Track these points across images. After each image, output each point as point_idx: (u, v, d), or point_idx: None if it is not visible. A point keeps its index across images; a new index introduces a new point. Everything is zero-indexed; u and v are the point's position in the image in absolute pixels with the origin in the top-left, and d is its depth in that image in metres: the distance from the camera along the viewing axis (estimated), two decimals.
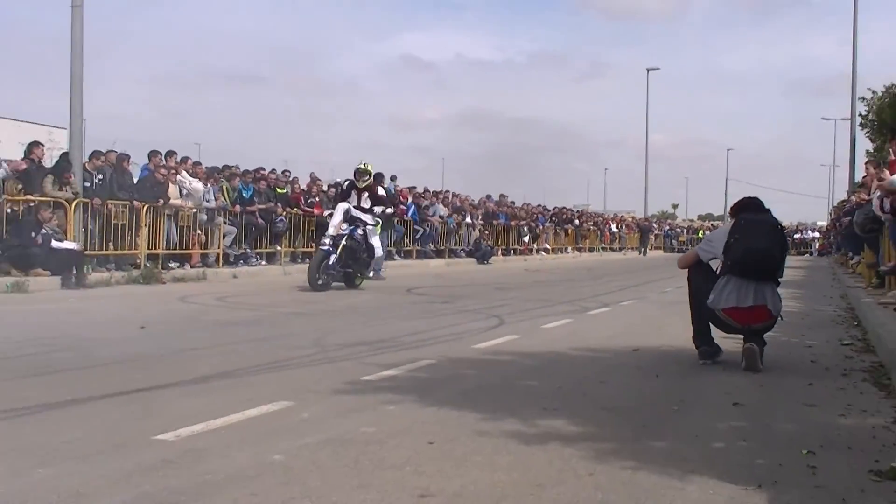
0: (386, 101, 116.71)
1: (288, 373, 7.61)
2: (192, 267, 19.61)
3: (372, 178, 18.56)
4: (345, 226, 17.41)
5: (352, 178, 18.74)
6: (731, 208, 8.72)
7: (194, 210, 20.35)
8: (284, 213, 23.23)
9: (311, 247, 24.01)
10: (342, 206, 17.72)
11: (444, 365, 8.15)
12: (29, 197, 16.59)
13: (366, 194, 18.18)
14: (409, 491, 4.21)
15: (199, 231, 20.62)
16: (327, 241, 17.14)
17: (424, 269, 25.74)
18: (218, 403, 6.09)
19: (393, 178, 29.77)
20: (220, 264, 20.71)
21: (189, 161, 21.72)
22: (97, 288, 15.73)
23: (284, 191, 24.14)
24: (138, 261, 18.36)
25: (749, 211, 8.41)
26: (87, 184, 17.75)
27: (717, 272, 8.34)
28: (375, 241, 18.49)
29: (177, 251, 19.77)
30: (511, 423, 5.74)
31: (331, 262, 17.00)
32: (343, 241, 17.17)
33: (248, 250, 22.09)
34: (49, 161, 19.11)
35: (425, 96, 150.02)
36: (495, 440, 5.32)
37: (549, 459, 4.91)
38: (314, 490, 4.23)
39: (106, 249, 17.91)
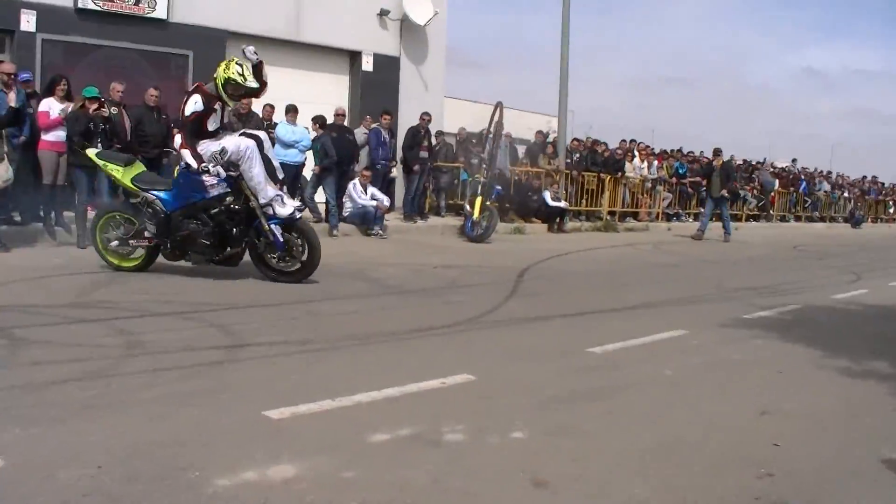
0: (786, 99, 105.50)
1: (690, 307, 7.64)
2: (638, 221, 19.66)
3: None
4: None
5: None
6: None
7: (640, 180, 20.27)
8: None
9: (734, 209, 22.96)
10: None
11: (806, 310, 7.77)
12: (529, 168, 17.54)
13: None
14: (752, 407, 4.27)
15: (644, 195, 20.59)
16: None
17: (810, 230, 23.68)
18: (635, 327, 6.28)
19: (794, 161, 27.70)
20: (660, 220, 20.57)
21: (642, 144, 21.65)
22: (571, 233, 16.28)
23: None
24: (602, 216, 18.67)
25: None
26: (568, 160, 18.23)
27: None
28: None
29: (629, 209, 19.88)
30: (843, 360, 5.49)
31: None
32: None
33: (680, 211, 21.74)
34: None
35: (819, 96, 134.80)
36: (828, 373, 5.16)
37: (865, 393, 4.70)
38: (689, 398, 4.42)
39: (580, 206, 18.37)
